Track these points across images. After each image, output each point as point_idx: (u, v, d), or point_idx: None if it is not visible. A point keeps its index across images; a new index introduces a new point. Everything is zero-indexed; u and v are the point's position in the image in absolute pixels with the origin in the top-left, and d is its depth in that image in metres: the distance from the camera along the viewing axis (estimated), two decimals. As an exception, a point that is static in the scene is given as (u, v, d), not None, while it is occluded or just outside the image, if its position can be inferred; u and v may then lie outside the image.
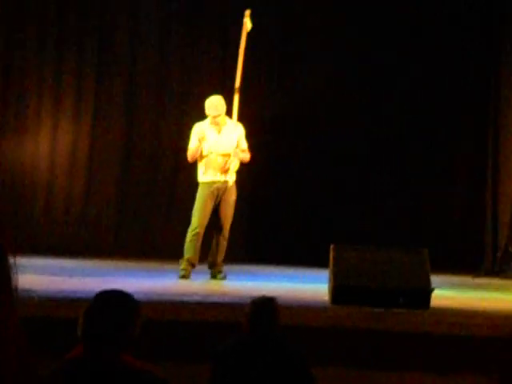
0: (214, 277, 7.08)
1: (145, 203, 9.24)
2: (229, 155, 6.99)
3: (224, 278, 7.09)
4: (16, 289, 0.77)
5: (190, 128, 7.19)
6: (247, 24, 7.09)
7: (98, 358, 2.46)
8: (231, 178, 7.03)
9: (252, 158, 8.03)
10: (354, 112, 9.19)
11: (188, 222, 7.10)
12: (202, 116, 7.15)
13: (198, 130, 7.05)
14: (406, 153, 9.25)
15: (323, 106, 9.24)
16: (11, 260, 0.79)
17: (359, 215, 9.08)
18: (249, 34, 7.10)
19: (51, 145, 9.21)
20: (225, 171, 6.99)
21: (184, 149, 7.27)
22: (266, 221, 9.22)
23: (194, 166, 7.20)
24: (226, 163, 6.98)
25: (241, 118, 7.18)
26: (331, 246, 5.95)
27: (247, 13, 7.13)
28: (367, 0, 9.25)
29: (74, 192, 9.24)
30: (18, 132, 9.16)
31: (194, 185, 7.21)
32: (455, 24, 9.24)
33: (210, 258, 7.11)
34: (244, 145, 7.13)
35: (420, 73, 9.22)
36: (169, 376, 2.75)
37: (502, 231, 9.03)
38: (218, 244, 7.03)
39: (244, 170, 9.07)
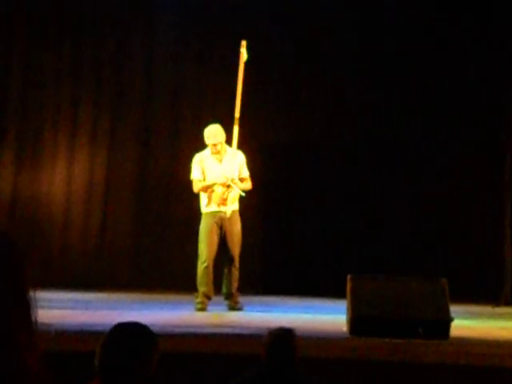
0: (230, 308, 7.05)
1: (160, 235, 9.24)
2: (229, 185, 6.98)
3: (241, 309, 7.05)
4: (36, 322, 0.76)
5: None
6: (243, 54, 7.16)
7: (116, 391, 2.44)
8: (232, 207, 7.01)
9: (266, 186, 8.00)
10: (359, 137, 9.20)
11: (204, 254, 7.08)
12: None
13: (199, 161, 7.08)
14: (421, 170, 9.21)
15: (326, 130, 9.27)
16: (31, 294, 0.77)
17: (376, 243, 9.04)
18: (247, 64, 7.17)
19: (67, 179, 9.27)
20: (224, 201, 6.98)
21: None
22: (281, 251, 9.20)
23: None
24: (224, 193, 6.98)
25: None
26: (348, 277, 5.90)
27: (243, 43, 7.20)
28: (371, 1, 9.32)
29: (90, 225, 9.27)
30: (35, 167, 9.22)
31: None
32: (457, 23, 9.24)
33: (224, 290, 7.08)
34: (246, 173, 7.13)
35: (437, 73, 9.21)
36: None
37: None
38: (230, 274, 7.01)
39: (257, 199, 9.09)
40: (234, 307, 7.03)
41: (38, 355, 0.74)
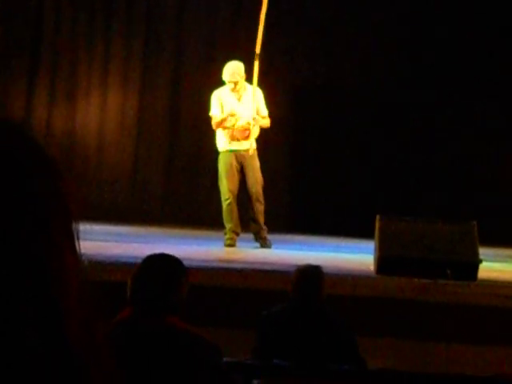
0: (259, 245, 7.10)
1: (191, 171, 9.29)
2: (249, 123, 6.95)
3: (269, 246, 7.10)
4: (80, 253, 0.77)
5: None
6: None
7: (147, 320, 2.50)
8: (252, 145, 6.98)
9: (295, 125, 7.83)
10: (395, 77, 9.05)
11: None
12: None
13: (217, 97, 7.03)
14: (458, 117, 9.07)
15: (360, 70, 9.11)
16: (75, 225, 0.79)
17: (406, 183, 9.01)
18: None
19: (100, 114, 9.31)
20: (245, 139, 6.95)
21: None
22: (310, 190, 9.20)
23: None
24: (245, 131, 6.94)
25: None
26: (377, 217, 5.91)
27: None
28: None
29: (123, 160, 9.34)
30: (69, 100, 9.28)
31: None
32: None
33: (252, 226, 7.11)
34: (264, 111, 7.05)
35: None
36: (214, 340, 2.78)
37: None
38: (253, 209, 6.99)
39: (285, 138, 9.04)
40: (263, 245, 7.07)
41: (82, 274, 0.76)
